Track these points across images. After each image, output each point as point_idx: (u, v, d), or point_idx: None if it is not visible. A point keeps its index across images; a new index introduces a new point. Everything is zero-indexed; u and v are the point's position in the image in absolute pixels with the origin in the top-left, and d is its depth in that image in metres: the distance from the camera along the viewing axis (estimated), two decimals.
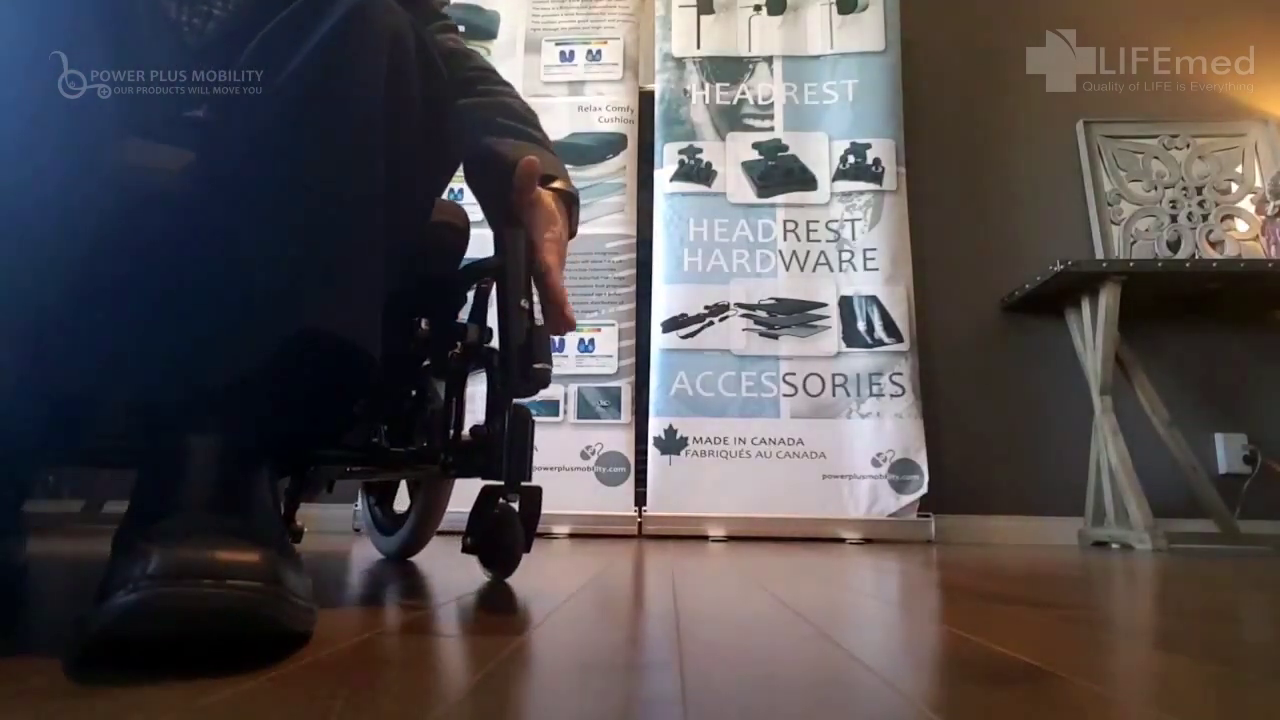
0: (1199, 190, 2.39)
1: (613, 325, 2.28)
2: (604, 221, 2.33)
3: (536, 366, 0.72)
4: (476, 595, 0.77)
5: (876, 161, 2.33)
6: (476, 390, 0.87)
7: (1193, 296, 2.26)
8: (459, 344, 0.85)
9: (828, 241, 2.31)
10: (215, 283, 0.55)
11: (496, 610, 0.72)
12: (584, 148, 2.38)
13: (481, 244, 0.87)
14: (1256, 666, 0.53)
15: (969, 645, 0.54)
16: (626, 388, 2.24)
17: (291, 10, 0.61)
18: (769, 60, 2.45)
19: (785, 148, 2.39)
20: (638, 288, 2.33)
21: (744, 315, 2.27)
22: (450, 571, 1.04)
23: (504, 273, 0.75)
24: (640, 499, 2.18)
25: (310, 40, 0.58)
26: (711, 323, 2.27)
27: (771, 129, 2.41)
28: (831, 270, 2.29)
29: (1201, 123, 2.45)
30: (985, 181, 2.51)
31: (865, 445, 2.16)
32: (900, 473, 2.14)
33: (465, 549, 0.86)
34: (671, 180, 2.37)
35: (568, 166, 0.86)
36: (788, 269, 2.30)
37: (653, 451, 2.19)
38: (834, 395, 2.21)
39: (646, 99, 2.47)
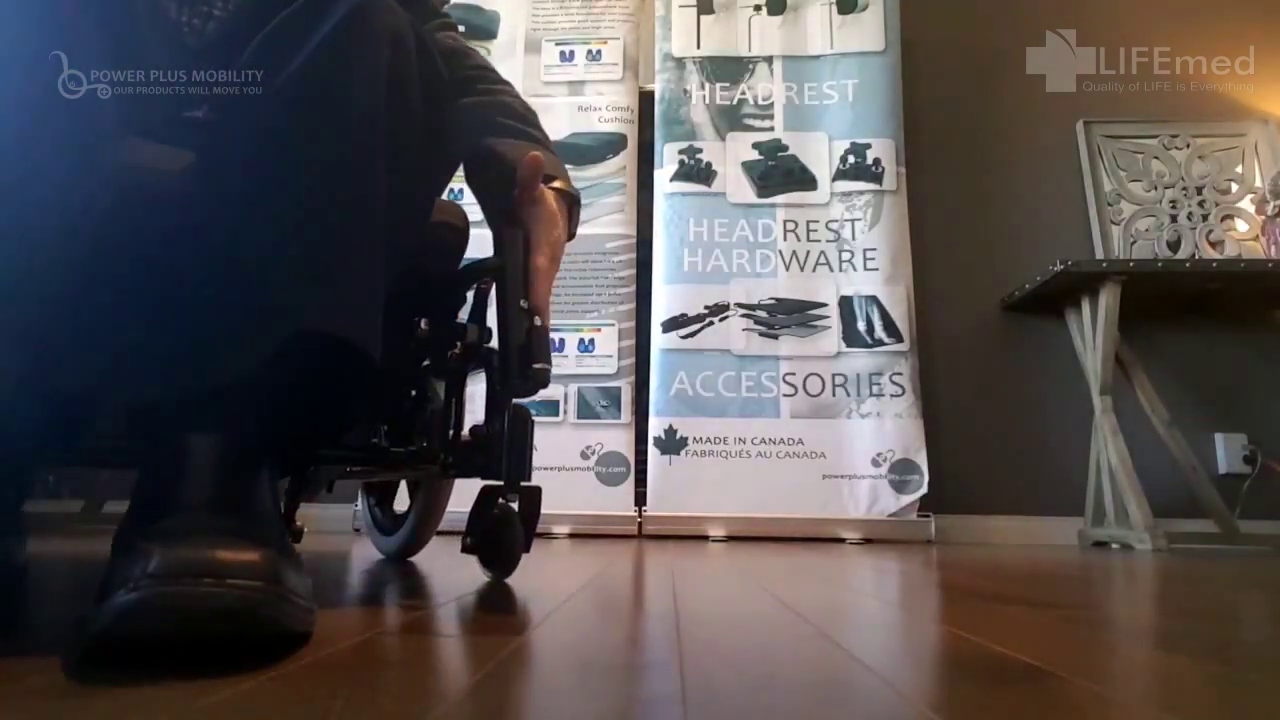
0: (1199, 190, 2.39)
1: (613, 325, 2.28)
2: (604, 221, 2.33)
3: (536, 366, 0.72)
4: (476, 595, 0.77)
5: (876, 161, 2.33)
6: (476, 390, 0.87)
7: (1193, 296, 2.26)
8: (458, 344, 0.85)
9: (828, 241, 2.32)
10: (215, 283, 0.55)
11: (496, 610, 0.72)
12: (584, 148, 2.38)
13: (481, 244, 0.87)
14: (1256, 666, 0.54)
15: (969, 645, 0.54)
16: (626, 388, 2.24)
17: (292, 10, 0.61)
18: (769, 60, 2.45)
19: (785, 148, 2.39)
20: (638, 288, 2.33)
21: (744, 315, 2.27)
22: (450, 571, 1.04)
23: (503, 273, 0.75)
24: (640, 499, 2.18)
25: (311, 40, 0.58)
26: (711, 323, 2.27)
27: (771, 129, 2.41)
28: (831, 270, 2.29)
29: (1201, 123, 2.45)
30: (985, 181, 2.51)
31: (865, 445, 2.16)
32: (900, 473, 2.14)
33: (465, 549, 0.86)
34: (671, 180, 2.37)
35: (568, 166, 0.86)
36: (788, 269, 2.30)
37: (653, 451, 2.19)
38: (834, 395, 2.21)
39: (646, 99, 2.47)
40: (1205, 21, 2.54)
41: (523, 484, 0.84)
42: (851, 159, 2.34)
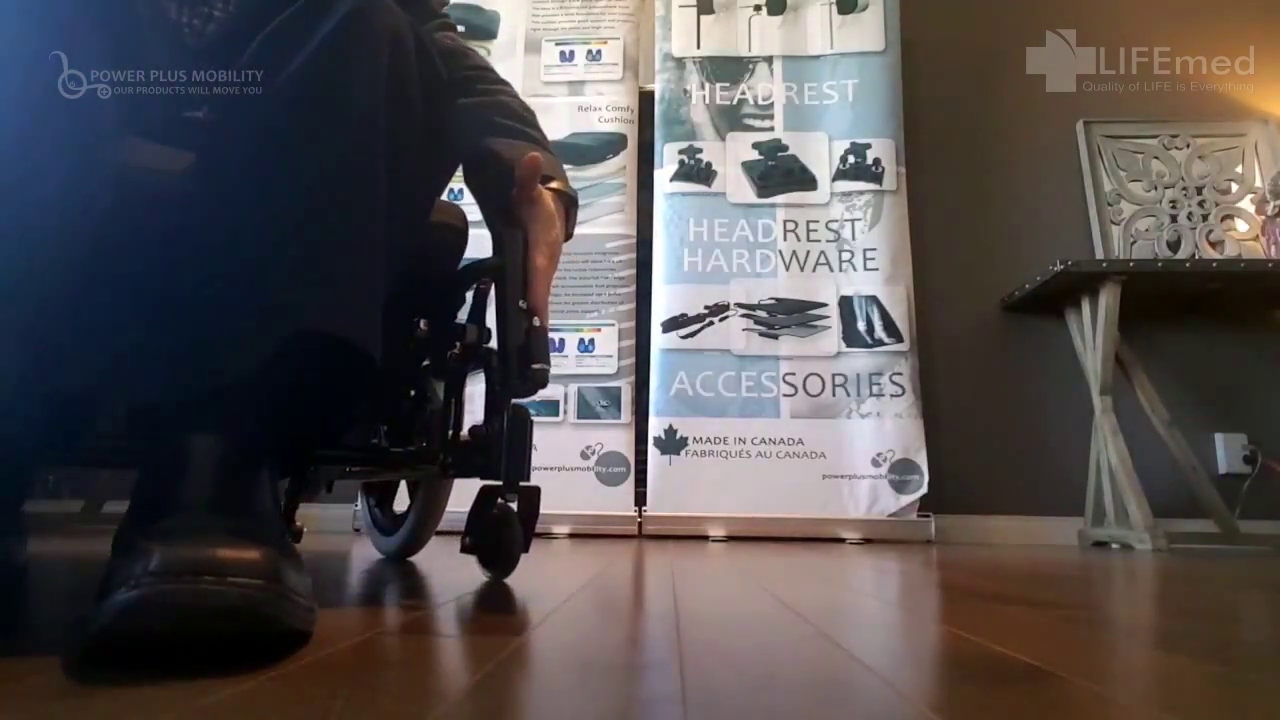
0: (1199, 190, 2.40)
1: (613, 325, 2.28)
2: (604, 221, 2.33)
3: (535, 367, 0.72)
4: (476, 595, 0.77)
5: (876, 161, 2.33)
6: (475, 390, 0.87)
7: (1193, 296, 2.26)
8: (458, 344, 0.85)
9: (828, 241, 2.32)
10: (215, 283, 0.55)
11: (496, 610, 0.72)
12: (584, 148, 2.38)
13: (481, 244, 0.87)
14: (1256, 666, 0.54)
15: (969, 645, 0.54)
16: (626, 388, 2.24)
17: (292, 11, 0.61)
18: (769, 60, 2.45)
19: (785, 148, 2.39)
20: (638, 288, 2.33)
21: (744, 315, 2.27)
22: (450, 571, 1.04)
23: (503, 273, 0.76)
24: (640, 499, 2.18)
25: (311, 41, 0.58)
26: (711, 323, 2.27)
27: (771, 129, 2.41)
28: (831, 270, 2.29)
29: (1201, 123, 2.45)
30: (985, 181, 2.51)
31: (865, 445, 2.16)
32: (900, 473, 2.14)
33: (464, 549, 0.86)
34: (671, 180, 2.37)
35: (567, 166, 0.86)
36: (788, 269, 2.30)
37: (653, 451, 2.19)
38: (834, 395, 2.21)
39: (646, 99, 2.47)
40: (1205, 21, 2.54)
41: (522, 484, 0.84)
42: (851, 159, 2.35)
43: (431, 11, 0.91)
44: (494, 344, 0.81)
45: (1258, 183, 2.37)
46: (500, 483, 0.83)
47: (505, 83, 0.89)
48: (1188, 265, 2.16)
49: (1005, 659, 0.48)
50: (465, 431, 0.88)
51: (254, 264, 0.55)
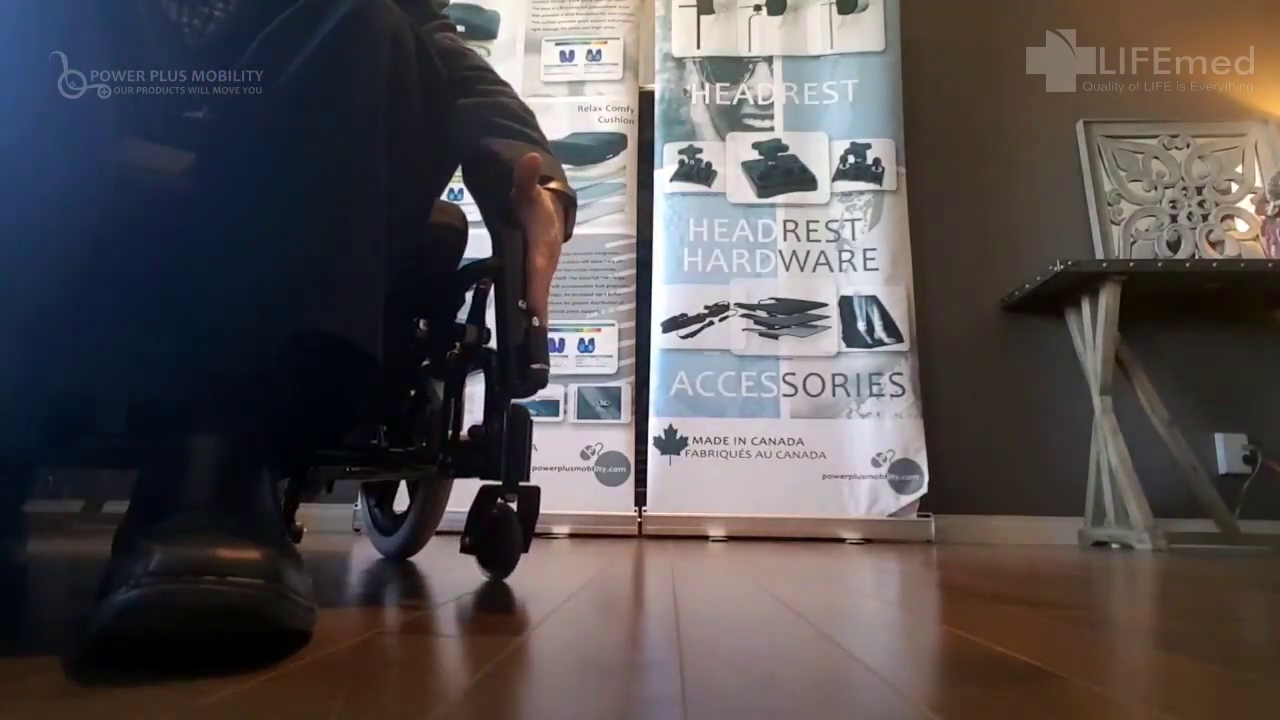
0: (1199, 190, 2.40)
1: (613, 325, 2.28)
2: (604, 221, 2.33)
3: (534, 367, 0.72)
4: (476, 595, 0.77)
5: (876, 161, 2.33)
6: (475, 390, 0.87)
7: (1193, 296, 2.26)
8: (457, 344, 0.85)
9: (828, 241, 2.32)
10: (215, 283, 0.55)
11: (496, 610, 0.72)
12: (584, 148, 2.38)
13: (481, 244, 0.87)
14: (1256, 666, 0.54)
15: (969, 645, 0.54)
16: (626, 388, 2.24)
17: (292, 11, 0.61)
18: (769, 60, 2.45)
19: (785, 148, 2.39)
20: (638, 288, 2.33)
21: (744, 315, 2.27)
22: (450, 571, 1.04)
23: (502, 273, 0.76)
24: (640, 499, 2.18)
25: (311, 41, 0.58)
26: (711, 323, 2.27)
27: (771, 129, 2.41)
28: (831, 270, 2.29)
29: (1201, 123, 2.45)
30: (985, 181, 2.51)
31: (865, 445, 2.16)
32: (900, 473, 2.14)
33: (464, 549, 0.86)
34: (671, 180, 2.37)
35: (567, 166, 0.86)
36: (788, 269, 2.30)
37: (653, 451, 2.19)
38: (834, 395, 2.21)
39: (646, 99, 2.47)
40: (1205, 21, 2.54)
41: (521, 484, 0.84)
42: (851, 159, 2.35)
43: (431, 12, 0.91)
44: (494, 344, 0.81)
45: (1258, 183, 2.37)
46: (500, 483, 0.83)
47: (505, 83, 0.89)
48: (1188, 265, 2.16)
49: (1005, 659, 0.48)
50: (465, 431, 0.88)
51: (254, 264, 0.55)
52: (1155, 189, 2.41)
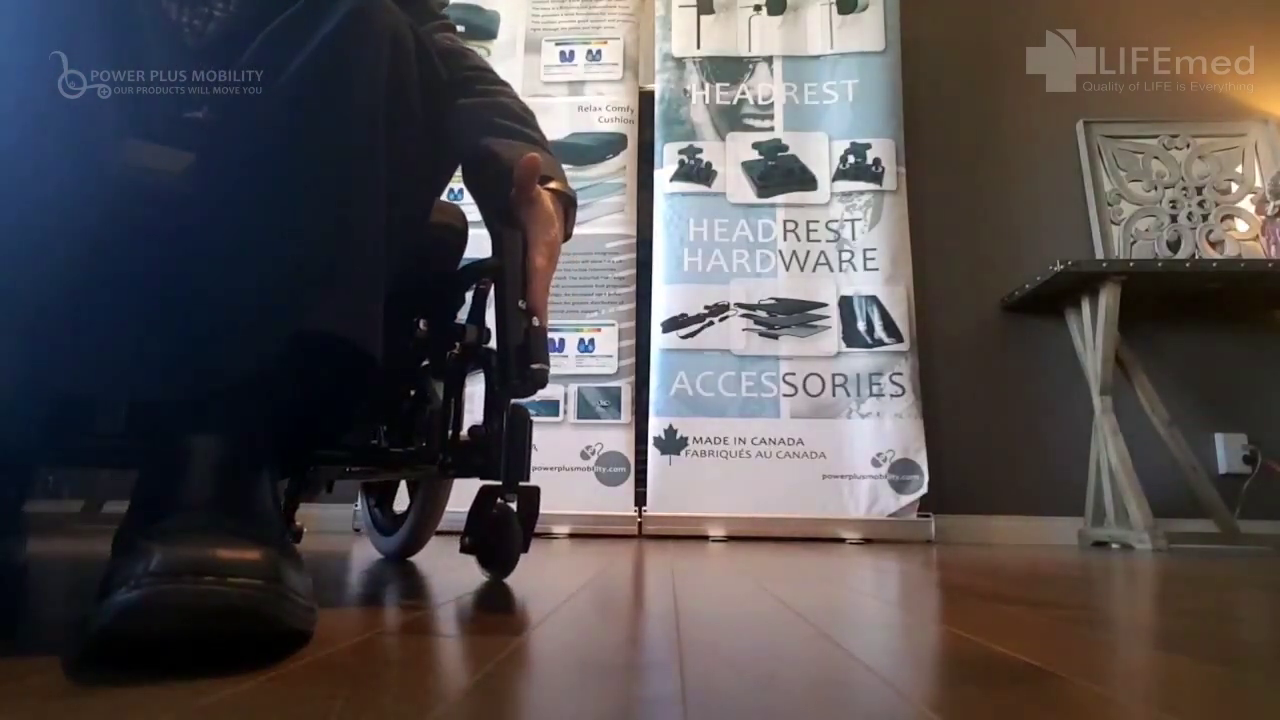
0: (1199, 190, 2.40)
1: (613, 325, 2.28)
2: (604, 221, 2.33)
3: (534, 367, 0.72)
4: (475, 595, 0.77)
5: (876, 161, 2.33)
6: (475, 390, 0.87)
7: (1193, 296, 2.26)
8: (457, 344, 0.85)
9: (828, 241, 2.32)
10: (216, 283, 0.55)
11: (496, 610, 0.72)
12: (584, 148, 2.38)
13: (480, 244, 0.87)
14: (1256, 666, 0.54)
15: (969, 645, 0.54)
16: (626, 388, 2.24)
17: (292, 11, 0.61)
18: (769, 60, 2.45)
19: (785, 148, 2.39)
20: (638, 288, 2.33)
21: (744, 315, 2.27)
22: (450, 571, 1.04)
23: (502, 273, 0.75)
24: (640, 499, 2.18)
25: (311, 41, 0.58)
26: (711, 323, 2.27)
27: (771, 129, 2.41)
28: (831, 270, 2.29)
29: (1201, 123, 2.45)
30: (985, 181, 2.51)
31: (865, 445, 2.16)
32: (900, 473, 2.14)
33: (464, 549, 0.86)
34: (671, 180, 2.37)
35: (567, 166, 0.86)
36: (788, 269, 2.30)
37: (653, 451, 2.19)
38: (834, 395, 2.21)
39: (646, 99, 2.47)
40: (1205, 21, 2.54)
41: (521, 484, 0.84)
42: (851, 159, 2.35)
43: (431, 12, 0.91)
44: (494, 344, 0.81)
45: (1258, 183, 2.37)
46: (500, 483, 0.83)
47: (505, 83, 0.89)
48: (1188, 265, 2.16)
49: (1005, 659, 0.48)
50: (465, 431, 0.88)
51: (254, 264, 0.55)
52: (1155, 189, 2.41)
